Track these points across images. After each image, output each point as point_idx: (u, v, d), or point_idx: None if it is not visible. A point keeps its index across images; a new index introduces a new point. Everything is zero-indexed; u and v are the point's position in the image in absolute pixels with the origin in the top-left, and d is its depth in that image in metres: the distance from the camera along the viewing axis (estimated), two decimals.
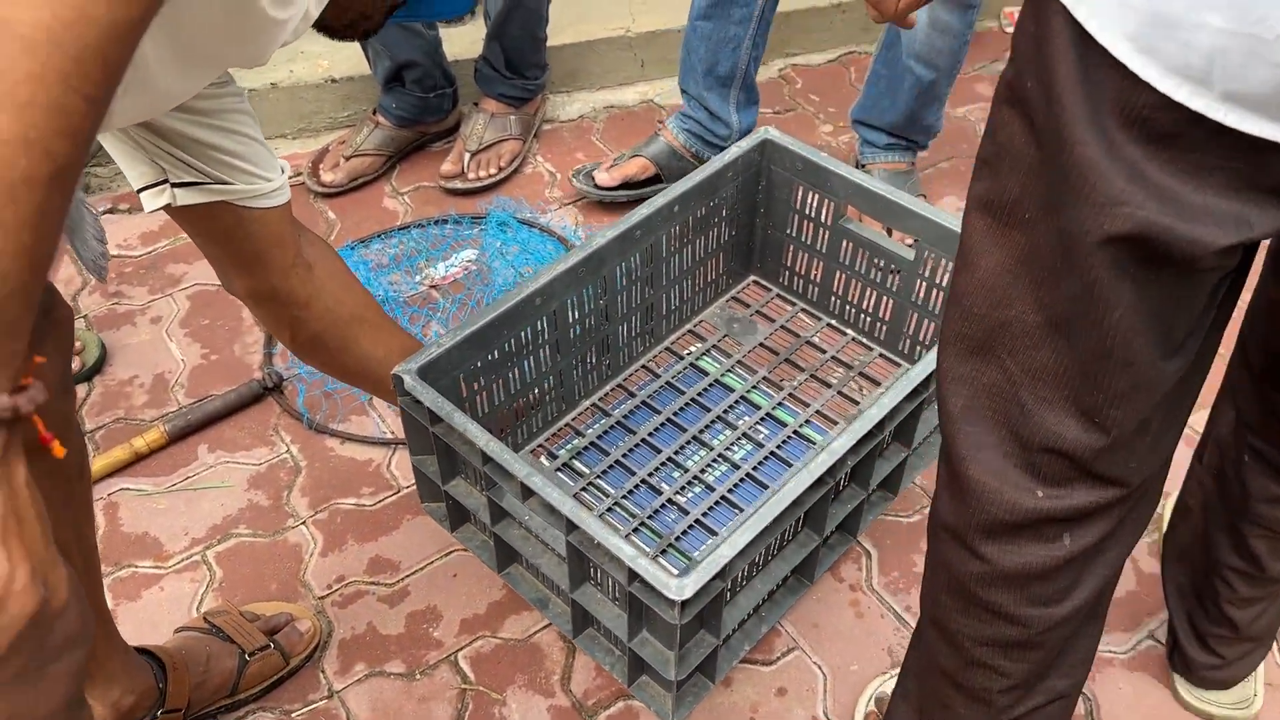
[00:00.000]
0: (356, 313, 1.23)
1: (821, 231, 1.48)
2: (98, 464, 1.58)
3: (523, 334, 1.26)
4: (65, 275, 1.89)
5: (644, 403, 1.44)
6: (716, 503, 1.33)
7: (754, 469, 1.36)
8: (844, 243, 1.46)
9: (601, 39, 2.23)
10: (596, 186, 1.97)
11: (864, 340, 1.52)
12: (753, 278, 1.60)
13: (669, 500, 1.33)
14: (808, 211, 1.47)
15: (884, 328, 1.49)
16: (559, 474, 1.36)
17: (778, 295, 1.58)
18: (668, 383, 1.46)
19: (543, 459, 1.38)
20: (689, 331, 1.53)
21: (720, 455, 1.38)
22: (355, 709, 1.34)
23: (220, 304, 1.85)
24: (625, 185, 1.95)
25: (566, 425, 1.42)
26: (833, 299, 1.53)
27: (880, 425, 1.13)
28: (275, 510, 1.55)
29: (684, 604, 0.98)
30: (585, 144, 2.17)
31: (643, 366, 1.49)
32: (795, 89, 2.32)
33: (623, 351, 1.45)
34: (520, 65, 2.04)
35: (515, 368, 1.29)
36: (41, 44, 0.45)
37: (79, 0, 0.46)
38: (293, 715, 1.34)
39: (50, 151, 0.47)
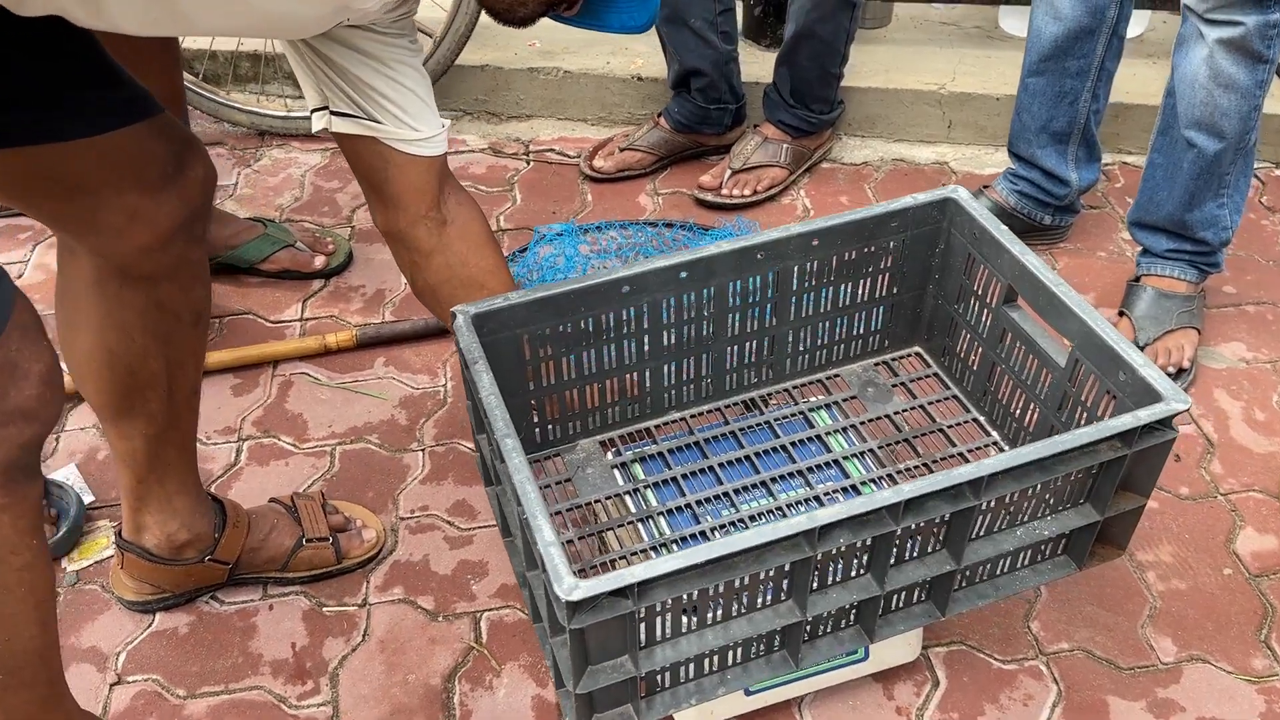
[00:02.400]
0: (477, 278, 1.28)
1: (985, 314, 1.31)
2: (291, 345, 1.76)
3: (605, 317, 1.24)
4: (354, 190, 2.13)
5: (733, 433, 1.36)
6: None
7: None
8: (1004, 332, 1.29)
9: (910, 90, 2.13)
10: None
11: (1005, 448, 1.33)
12: (916, 349, 1.45)
13: (702, 533, 1.25)
14: (976, 287, 1.32)
15: (1027, 438, 1.30)
16: (614, 471, 1.32)
17: (934, 374, 1.43)
18: (768, 422, 1.37)
19: (609, 455, 1.35)
20: (819, 380, 1.43)
21: (779, 509, 1.27)
22: (374, 624, 1.40)
23: None
24: None
25: (647, 429, 1.38)
26: (986, 394, 1.36)
27: (889, 512, 0.99)
28: (407, 431, 1.65)
29: (575, 606, 0.92)
30: (856, 190, 2.09)
31: (751, 399, 1.41)
32: (1114, 187, 2.07)
33: (731, 376, 1.38)
34: (805, 96, 2.00)
35: (593, 349, 1.27)
36: None
37: None
38: (324, 609, 1.42)
39: None
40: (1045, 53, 1.73)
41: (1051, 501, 1.12)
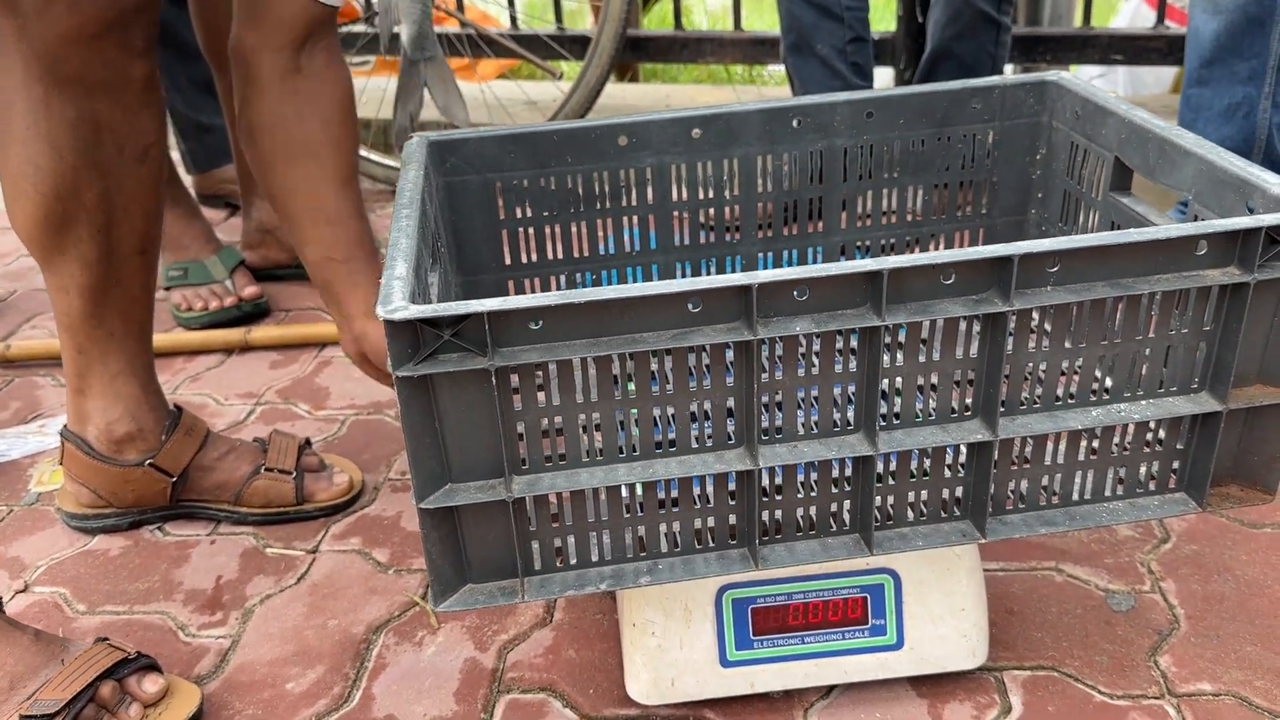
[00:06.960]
0: (310, 142, 1.04)
1: (1091, 215, 1.01)
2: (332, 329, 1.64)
3: (597, 176, 1.04)
4: None
5: None
6: None
7: None
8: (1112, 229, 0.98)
9: None
10: None
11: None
12: None
13: None
14: (1083, 187, 1.02)
15: None
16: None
17: None
18: None
19: None
20: None
21: None
22: (315, 569, 1.17)
23: None
24: None
25: None
26: None
27: (865, 288, 0.70)
28: None
29: (402, 333, 0.69)
30: None
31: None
32: None
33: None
34: None
35: (583, 220, 1.06)
36: None
37: None
38: (267, 549, 1.20)
39: None
40: (1207, 56, 1.45)
41: (1139, 368, 0.78)
